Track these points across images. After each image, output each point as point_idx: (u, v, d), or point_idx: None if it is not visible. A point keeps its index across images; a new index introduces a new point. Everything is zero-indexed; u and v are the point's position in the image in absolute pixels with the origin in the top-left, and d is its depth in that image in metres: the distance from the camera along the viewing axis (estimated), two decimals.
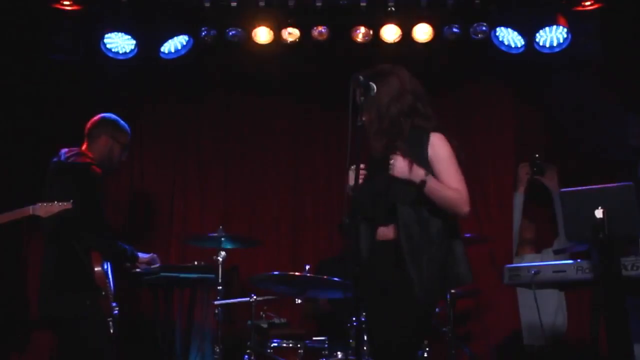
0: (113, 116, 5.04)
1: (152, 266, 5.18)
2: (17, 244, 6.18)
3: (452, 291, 5.75)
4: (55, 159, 4.84)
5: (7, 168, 6.23)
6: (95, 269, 4.59)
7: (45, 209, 4.49)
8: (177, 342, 6.56)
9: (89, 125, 4.98)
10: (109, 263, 4.75)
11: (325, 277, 5.27)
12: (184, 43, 6.36)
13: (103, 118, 5.01)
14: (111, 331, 4.63)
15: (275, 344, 5.44)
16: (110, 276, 4.71)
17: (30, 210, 4.52)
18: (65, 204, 4.48)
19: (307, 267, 5.44)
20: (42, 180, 4.85)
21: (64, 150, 4.85)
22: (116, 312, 4.69)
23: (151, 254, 5.17)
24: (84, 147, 4.92)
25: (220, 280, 5.68)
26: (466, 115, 6.97)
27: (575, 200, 4.37)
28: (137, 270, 5.21)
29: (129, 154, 6.61)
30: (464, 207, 3.63)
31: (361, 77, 3.61)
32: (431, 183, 3.56)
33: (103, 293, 4.60)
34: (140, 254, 5.05)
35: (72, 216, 4.55)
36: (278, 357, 5.42)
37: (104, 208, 4.77)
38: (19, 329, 6.31)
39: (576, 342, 6.17)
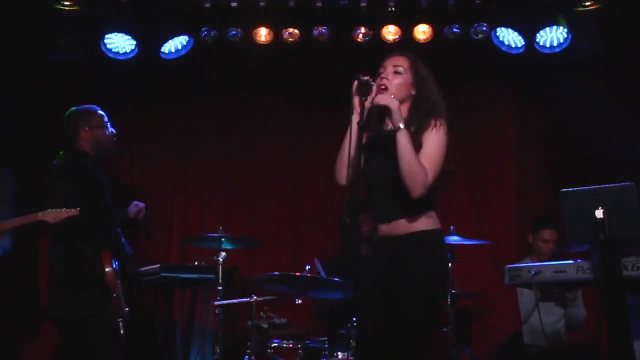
0: (75, 108, 4.98)
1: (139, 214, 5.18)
2: (31, 239, 6.19)
3: (453, 291, 5.76)
4: (55, 161, 4.84)
5: (7, 169, 6.22)
6: (106, 269, 4.59)
7: (53, 215, 4.53)
8: (178, 342, 6.56)
9: (65, 126, 4.93)
10: (117, 262, 4.75)
11: (325, 277, 5.28)
12: (185, 43, 6.37)
13: (69, 116, 4.95)
14: (122, 332, 4.64)
15: (276, 344, 5.45)
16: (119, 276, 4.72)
17: (39, 216, 4.56)
18: (72, 210, 4.51)
19: (307, 267, 5.44)
20: (43, 182, 4.85)
21: (62, 152, 4.85)
22: (126, 310, 4.69)
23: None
24: (75, 146, 4.90)
25: (220, 281, 5.69)
26: (467, 116, 6.97)
27: (575, 200, 4.36)
28: (137, 270, 5.21)
29: (128, 152, 6.68)
30: (418, 188, 3.48)
31: (362, 77, 3.62)
32: (405, 137, 3.49)
33: (114, 294, 4.60)
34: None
35: (79, 219, 4.56)
36: (278, 358, 5.43)
37: (110, 203, 4.76)
38: (29, 321, 6.32)
39: (577, 342, 6.17)
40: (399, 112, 3.53)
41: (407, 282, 3.57)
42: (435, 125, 3.61)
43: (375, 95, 3.60)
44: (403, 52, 3.83)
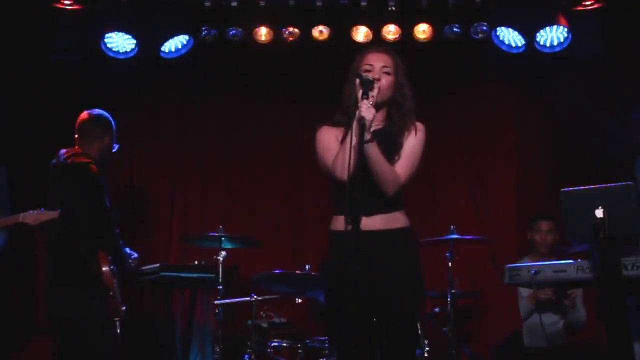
0: (105, 114, 4.98)
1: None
2: (31, 239, 6.20)
3: (453, 291, 5.76)
4: (54, 161, 4.83)
5: (7, 169, 6.23)
6: (103, 268, 4.59)
7: (33, 217, 4.52)
8: (178, 341, 6.56)
9: (87, 125, 4.90)
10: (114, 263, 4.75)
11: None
12: (185, 42, 6.37)
13: (104, 118, 4.94)
14: (118, 331, 4.64)
15: (276, 344, 5.45)
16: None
17: (20, 217, 4.55)
18: (52, 212, 4.50)
19: (308, 266, 5.44)
20: (44, 182, 4.85)
21: (62, 151, 4.84)
22: (124, 307, 4.69)
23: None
24: (80, 146, 4.88)
25: (220, 280, 5.69)
26: (467, 115, 6.98)
27: (575, 200, 4.36)
28: (137, 270, 5.20)
29: (128, 152, 6.68)
30: (391, 188, 3.66)
31: (363, 75, 3.61)
32: (372, 149, 3.56)
33: (111, 293, 4.60)
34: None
35: (80, 218, 4.55)
36: (278, 357, 5.43)
37: (110, 205, 4.76)
38: (29, 321, 6.33)
39: (576, 342, 6.17)
40: (371, 124, 3.56)
41: (397, 279, 3.66)
42: (416, 129, 3.77)
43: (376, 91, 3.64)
44: (386, 49, 3.89)
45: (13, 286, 6.35)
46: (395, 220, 3.73)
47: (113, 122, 5.00)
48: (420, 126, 3.79)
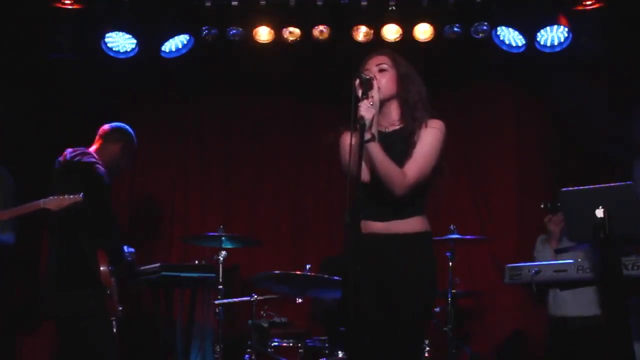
0: (130, 128, 5.08)
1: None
2: (33, 237, 6.19)
3: (453, 290, 5.76)
4: (60, 158, 4.84)
5: (8, 168, 6.23)
6: (102, 268, 4.59)
7: (56, 202, 4.50)
8: (178, 341, 6.57)
9: (106, 130, 4.99)
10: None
11: (326, 276, 5.27)
12: (185, 42, 6.36)
13: (123, 128, 5.05)
14: (114, 330, 4.64)
15: (276, 343, 5.45)
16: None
17: (41, 203, 4.52)
18: (76, 196, 4.48)
19: (308, 266, 5.44)
20: (46, 179, 4.85)
21: (69, 150, 4.86)
22: (120, 309, 4.70)
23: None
24: (93, 148, 4.92)
25: (221, 280, 5.69)
26: (467, 115, 6.98)
27: (576, 200, 4.36)
28: (138, 269, 5.21)
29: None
30: (398, 189, 3.57)
31: (363, 74, 3.61)
32: (373, 148, 3.51)
33: (108, 292, 4.60)
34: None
35: (82, 212, 4.55)
36: (279, 357, 5.43)
37: (111, 206, 4.77)
38: (30, 319, 6.33)
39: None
40: (372, 123, 3.53)
41: (404, 283, 3.60)
42: (427, 126, 3.69)
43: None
44: (381, 50, 3.89)
45: (21, 274, 6.36)
46: (407, 224, 3.66)
47: (134, 140, 5.05)
48: (434, 123, 3.71)
